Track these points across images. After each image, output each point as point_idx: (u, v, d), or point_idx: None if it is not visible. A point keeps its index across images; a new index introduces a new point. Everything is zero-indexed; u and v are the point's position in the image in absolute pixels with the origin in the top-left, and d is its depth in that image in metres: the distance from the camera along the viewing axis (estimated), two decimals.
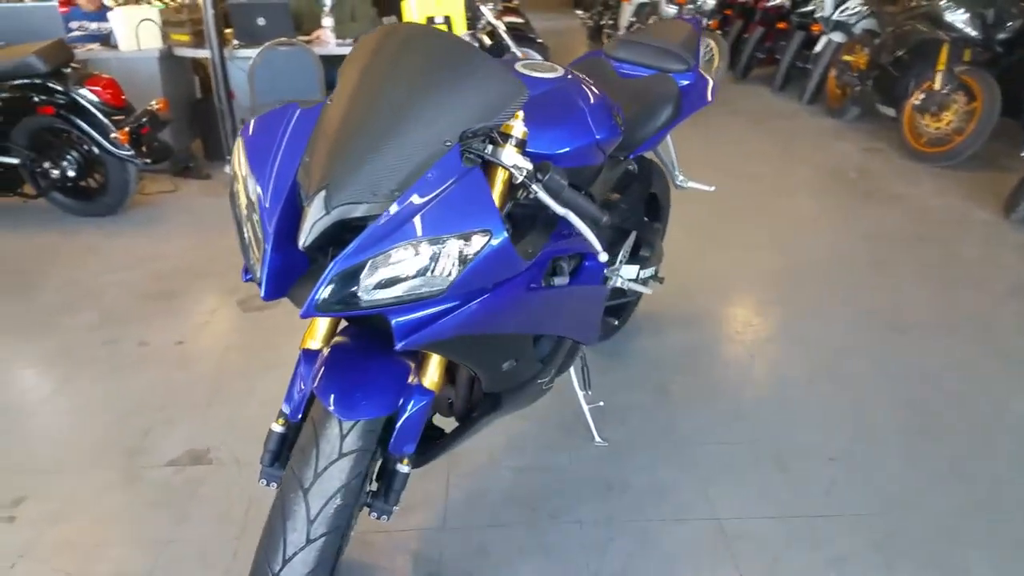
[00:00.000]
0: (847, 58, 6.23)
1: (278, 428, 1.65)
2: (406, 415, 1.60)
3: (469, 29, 5.91)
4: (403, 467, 1.67)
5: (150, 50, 5.29)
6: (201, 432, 2.50)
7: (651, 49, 2.57)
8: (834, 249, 3.89)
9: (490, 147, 1.50)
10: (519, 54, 6.18)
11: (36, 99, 4.20)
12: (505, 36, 6.18)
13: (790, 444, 2.39)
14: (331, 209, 1.33)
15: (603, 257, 1.70)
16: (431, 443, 1.93)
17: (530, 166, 1.53)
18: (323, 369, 1.51)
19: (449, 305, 1.44)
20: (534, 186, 1.53)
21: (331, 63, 5.10)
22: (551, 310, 1.76)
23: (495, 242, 1.37)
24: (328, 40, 5.42)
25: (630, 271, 2.56)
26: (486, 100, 1.44)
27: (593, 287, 1.96)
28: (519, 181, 1.52)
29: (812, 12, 6.99)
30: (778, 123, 6.42)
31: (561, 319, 1.85)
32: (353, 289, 1.33)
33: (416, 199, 1.35)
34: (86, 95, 4.21)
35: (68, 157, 4.35)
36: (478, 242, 1.37)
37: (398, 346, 1.42)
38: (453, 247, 1.36)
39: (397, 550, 2.01)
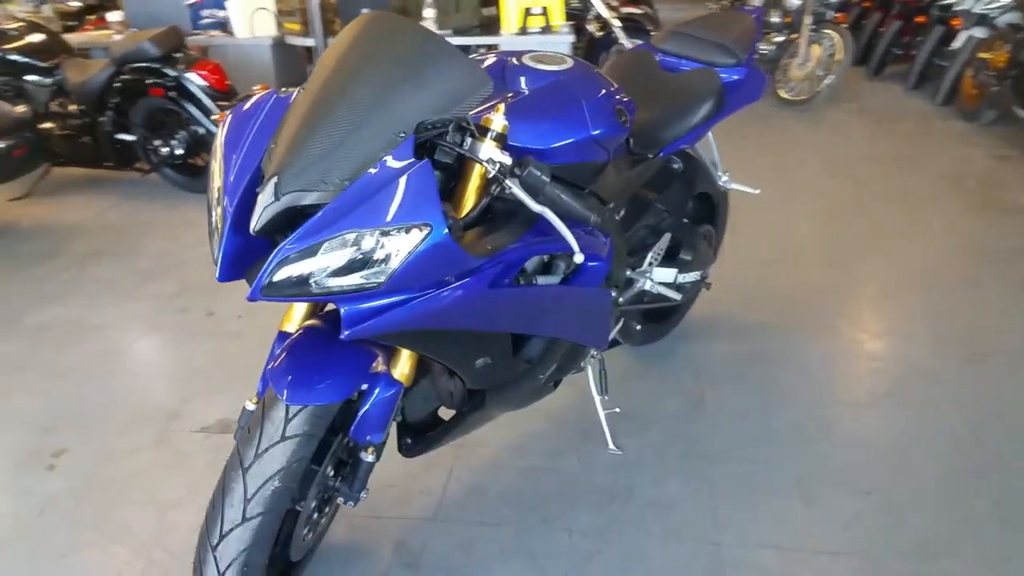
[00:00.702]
0: (985, 55, 5.71)
1: (250, 406, 1.69)
2: (369, 403, 1.61)
3: (571, 20, 5.86)
4: (367, 455, 1.67)
5: (264, 38, 5.55)
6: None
7: (699, 42, 2.44)
8: (925, 262, 3.58)
9: (469, 140, 1.48)
10: (628, 45, 6.06)
11: (149, 81, 4.50)
12: (615, 28, 6.11)
13: (822, 471, 2.23)
14: (281, 196, 1.34)
15: (578, 257, 1.64)
16: (426, 435, 1.93)
17: (508, 160, 1.49)
18: (284, 352, 1.54)
19: (402, 297, 1.43)
20: (508, 181, 1.49)
21: None
22: (529, 309, 1.71)
23: (434, 236, 1.34)
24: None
25: (664, 274, 2.46)
26: (445, 91, 1.42)
27: (591, 289, 1.89)
28: (492, 175, 1.49)
29: (952, 5, 6.46)
30: (904, 124, 5.98)
31: (547, 319, 1.80)
32: (296, 276, 1.34)
33: (363, 189, 1.35)
34: (193, 79, 4.46)
35: (177, 136, 4.63)
36: (417, 236, 1.34)
37: (344, 335, 1.42)
38: (392, 239, 1.34)
39: (383, 536, 2.02)
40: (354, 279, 1.35)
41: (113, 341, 3.07)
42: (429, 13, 5.50)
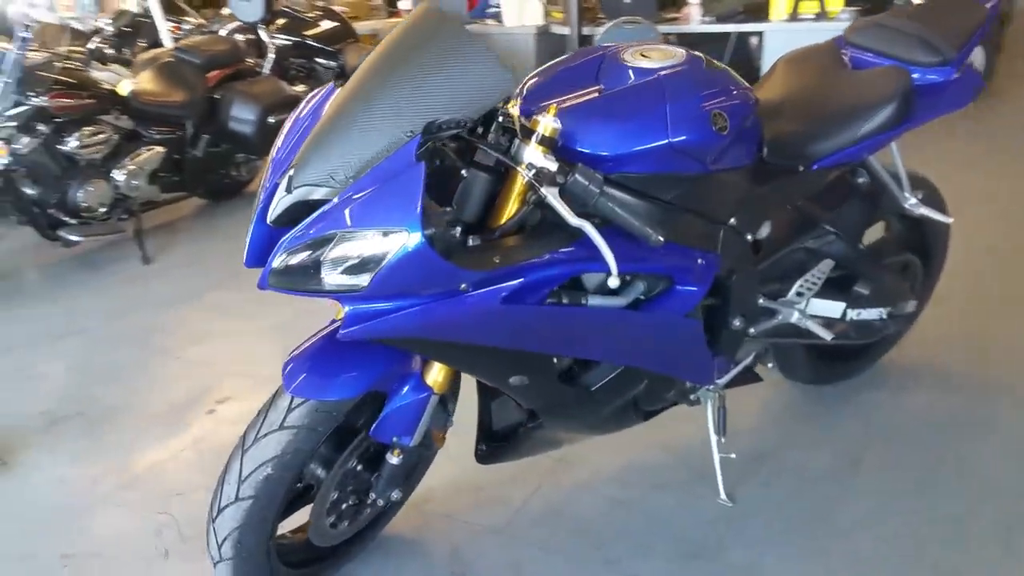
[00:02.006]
0: None
1: None
2: (393, 405, 1.58)
3: (854, 5, 5.21)
4: (392, 457, 1.64)
5: (529, 26, 5.68)
6: None
7: (899, 35, 2.01)
8: None
9: (515, 143, 1.38)
10: None
11: None
12: None
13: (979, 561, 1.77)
14: (292, 189, 1.37)
15: (613, 282, 1.45)
16: (500, 445, 1.86)
17: (552, 166, 1.37)
18: (309, 343, 1.55)
19: (408, 303, 1.38)
20: (544, 189, 1.37)
21: (692, 41, 4.93)
22: (568, 331, 1.54)
23: (410, 243, 1.27)
24: (693, 18, 5.24)
25: (824, 307, 2.09)
26: (460, 91, 1.34)
27: (666, 316, 1.66)
28: (527, 180, 1.38)
29: None
30: None
31: (599, 344, 1.62)
32: (293, 269, 1.35)
33: (361, 188, 1.31)
34: None
35: None
36: (396, 241, 1.28)
37: (340, 334, 1.40)
38: (373, 242, 1.29)
39: (446, 537, 1.97)
40: (340, 279, 1.33)
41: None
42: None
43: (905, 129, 1.93)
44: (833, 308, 2.13)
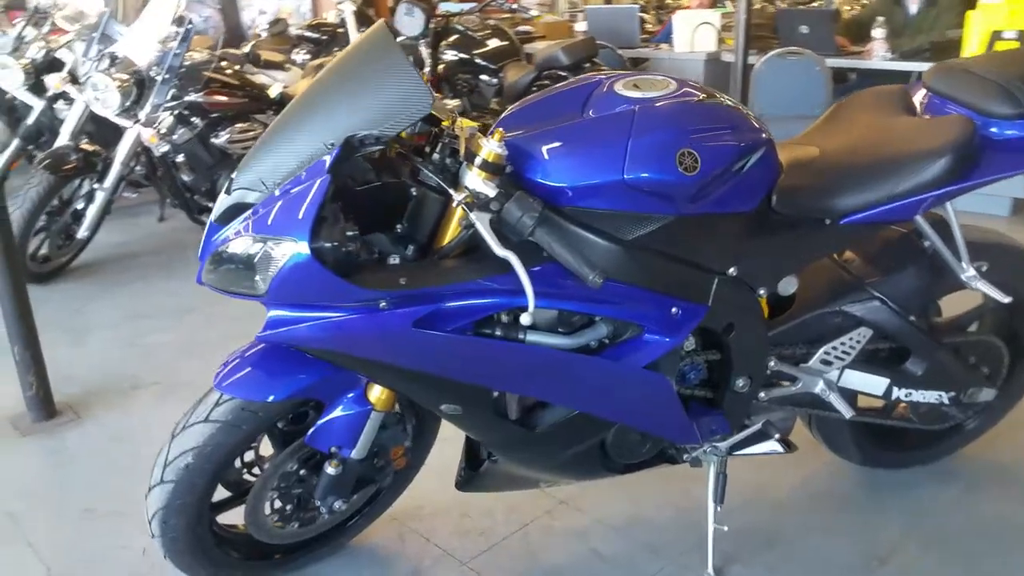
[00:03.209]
0: None
1: None
2: (330, 415, 1.60)
3: None
4: (329, 467, 1.65)
5: (700, 53, 5.50)
6: None
7: (976, 81, 1.72)
8: None
9: (463, 166, 1.37)
10: None
11: None
12: None
13: None
14: (231, 191, 1.44)
15: (526, 318, 1.38)
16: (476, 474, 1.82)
17: (491, 192, 1.34)
18: (258, 341, 1.60)
19: (327, 313, 1.39)
20: (473, 215, 1.35)
21: (875, 78, 4.55)
22: (498, 365, 1.47)
23: (298, 254, 1.28)
24: (876, 53, 4.83)
25: (861, 381, 1.85)
26: (380, 107, 1.35)
27: (619, 366, 1.53)
28: (455, 204, 1.36)
29: None
30: None
31: (540, 384, 1.53)
32: (217, 269, 1.41)
33: (277, 196, 1.35)
34: None
35: None
36: (286, 250, 1.30)
37: (256, 336, 1.45)
38: (271, 250, 1.32)
39: (413, 558, 1.94)
40: (244, 284, 1.37)
41: None
42: (879, 33, 4.82)
43: (965, 188, 1.65)
44: (874, 384, 1.87)
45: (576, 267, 1.35)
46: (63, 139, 3.79)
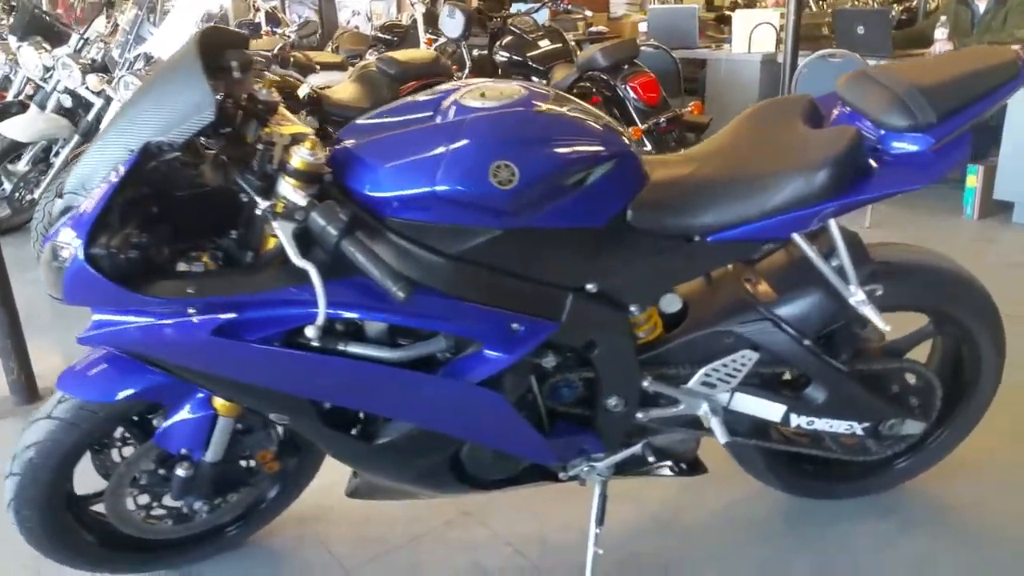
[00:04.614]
0: None
1: None
2: (175, 417, 1.64)
3: None
4: (180, 469, 1.68)
5: (756, 53, 5.28)
6: None
7: (877, 90, 1.58)
8: None
9: (283, 177, 1.39)
10: None
11: (593, 90, 4.76)
12: None
13: None
14: (63, 195, 1.49)
15: (311, 331, 1.37)
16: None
17: (301, 201, 1.36)
18: None
19: (141, 319, 1.43)
20: (275, 223, 1.37)
21: None
22: (312, 376, 1.46)
23: (75, 259, 1.33)
24: (938, 53, 4.49)
25: (752, 405, 1.74)
26: (166, 113, 1.36)
27: (445, 379, 1.50)
28: (259, 212, 1.37)
29: None
30: None
31: (363, 397, 1.51)
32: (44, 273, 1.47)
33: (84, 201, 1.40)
34: (626, 91, 4.56)
35: None
36: (68, 255, 1.35)
37: (77, 338, 1.49)
38: (60, 254, 1.36)
39: (301, 560, 1.96)
40: (53, 287, 1.41)
41: None
42: (940, 34, 4.50)
43: (846, 205, 1.52)
44: (768, 409, 1.76)
45: (380, 279, 1.33)
46: None
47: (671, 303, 1.69)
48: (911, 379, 1.86)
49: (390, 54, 4.73)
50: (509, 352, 1.51)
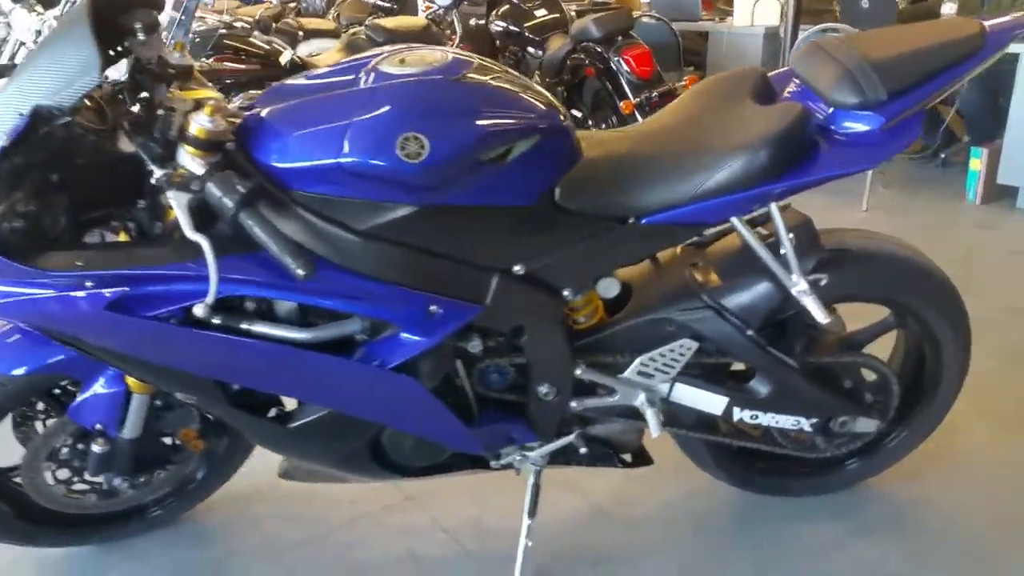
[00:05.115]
0: None
1: None
2: (89, 392, 1.59)
3: None
4: (95, 445, 1.64)
5: (759, 27, 5.13)
6: None
7: (827, 63, 1.48)
8: None
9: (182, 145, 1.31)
10: None
11: (587, 62, 4.64)
12: None
13: None
14: None
15: (199, 310, 1.30)
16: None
17: (199, 170, 1.28)
18: None
19: (33, 290, 1.37)
20: (170, 195, 1.29)
21: None
22: (211, 355, 1.39)
23: None
24: None
25: (692, 396, 1.67)
26: (55, 75, 1.28)
27: (355, 363, 1.42)
28: (154, 181, 1.30)
29: None
30: None
31: (270, 378, 1.44)
32: None
33: None
34: (619, 63, 4.43)
35: (610, 119, 4.69)
36: None
37: None
38: None
39: (232, 538, 1.91)
40: None
41: None
42: (948, 8, 4.33)
43: (787, 188, 1.43)
44: (709, 401, 1.68)
45: (278, 255, 1.26)
46: None
47: (609, 288, 1.61)
48: (867, 374, 1.77)
49: (378, 21, 4.62)
50: (427, 335, 1.44)
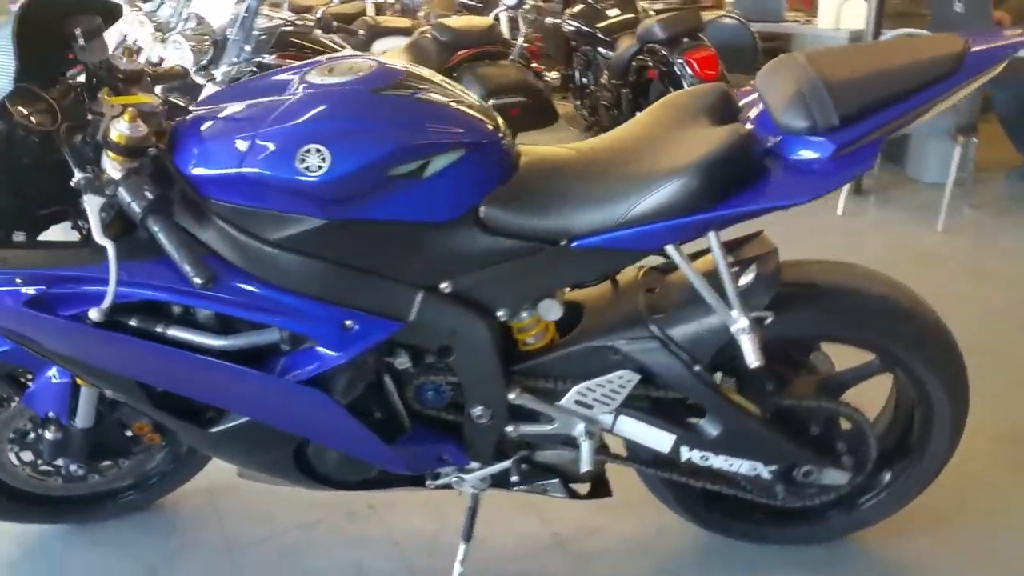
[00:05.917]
0: None
1: None
2: (41, 380, 1.64)
3: None
4: (48, 432, 1.68)
5: (844, 30, 4.85)
6: None
7: (785, 82, 1.34)
8: None
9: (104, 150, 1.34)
10: None
11: (650, 63, 4.50)
12: None
13: None
14: None
15: (94, 314, 1.31)
16: None
17: (116, 174, 1.31)
18: None
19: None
20: (85, 198, 1.32)
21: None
22: (127, 357, 1.40)
23: None
24: None
25: (634, 429, 1.57)
26: None
27: (262, 375, 1.40)
28: (72, 183, 1.33)
29: None
30: None
31: (184, 383, 1.44)
32: None
33: None
34: (682, 66, 4.27)
35: None
36: None
37: None
38: None
39: (193, 531, 1.94)
40: None
41: None
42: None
43: (722, 218, 1.31)
44: (655, 437, 1.57)
45: (179, 263, 1.25)
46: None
47: (549, 309, 1.52)
48: (842, 422, 1.62)
49: (444, 21, 4.62)
50: (341, 350, 1.41)
